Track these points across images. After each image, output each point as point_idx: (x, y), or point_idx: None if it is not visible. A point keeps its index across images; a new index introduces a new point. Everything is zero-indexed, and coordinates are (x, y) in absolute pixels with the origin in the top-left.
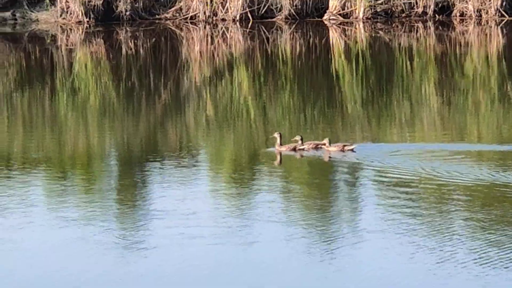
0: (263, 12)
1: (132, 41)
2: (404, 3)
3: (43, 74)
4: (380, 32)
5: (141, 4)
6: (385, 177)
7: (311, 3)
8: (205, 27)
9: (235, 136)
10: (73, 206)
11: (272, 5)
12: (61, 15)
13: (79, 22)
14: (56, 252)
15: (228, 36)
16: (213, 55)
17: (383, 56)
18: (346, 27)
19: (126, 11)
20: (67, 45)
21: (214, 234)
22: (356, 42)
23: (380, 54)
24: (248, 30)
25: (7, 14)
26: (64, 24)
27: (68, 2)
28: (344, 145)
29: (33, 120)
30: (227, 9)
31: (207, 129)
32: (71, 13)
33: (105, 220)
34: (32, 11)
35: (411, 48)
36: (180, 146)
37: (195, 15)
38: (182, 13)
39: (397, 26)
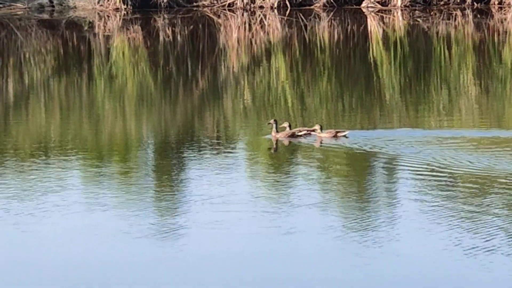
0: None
1: (170, 28)
2: None
3: (80, 61)
4: (418, 19)
5: None
6: (414, 165)
7: None
8: (243, 15)
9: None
10: (110, 192)
11: None
12: (98, 2)
13: (117, 9)
14: (91, 237)
15: (266, 23)
16: (251, 42)
17: (421, 44)
18: (384, 15)
19: None
20: (104, 32)
21: (252, 221)
22: (394, 30)
23: (418, 42)
24: (286, 17)
25: (45, 1)
26: (101, 11)
27: None
28: (337, 131)
29: (71, 106)
30: None
31: (245, 116)
32: (108, 0)
33: (142, 206)
34: None
35: (449, 36)
36: (218, 133)
37: (233, 2)
38: (220, 0)
39: (435, 14)
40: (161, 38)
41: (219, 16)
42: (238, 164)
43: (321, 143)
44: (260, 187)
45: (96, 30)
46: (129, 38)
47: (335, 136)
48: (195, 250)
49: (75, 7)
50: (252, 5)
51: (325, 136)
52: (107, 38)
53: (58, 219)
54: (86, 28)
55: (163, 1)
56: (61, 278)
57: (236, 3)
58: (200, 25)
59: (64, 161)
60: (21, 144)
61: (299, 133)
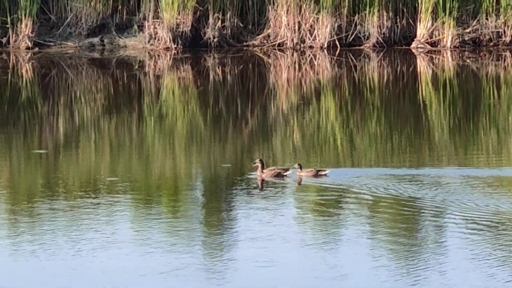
0: (350, 39)
1: (220, 68)
2: (492, 32)
3: (130, 99)
4: (468, 60)
5: (229, 31)
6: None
7: (399, 31)
8: (292, 54)
9: (322, 163)
10: (158, 231)
11: (360, 33)
12: (149, 41)
13: (167, 48)
14: (138, 277)
15: (315, 63)
16: (301, 82)
17: (470, 84)
18: (433, 55)
19: (214, 37)
20: (154, 71)
21: (298, 261)
22: (444, 70)
23: (468, 82)
24: (335, 57)
25: (95, 39)
26: (152, 50)
27: (156, 28)
28: (318, 170)
29: (120, 145)
30: (315, 36)
31: (294, 156)
32: (159, 39)
33: (190, 245)
34: (120, 37)
35: (499, 77)
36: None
37: (283, 42)
38: (270, 40)
39: (485, 55)
40: (211, 77)
41: (269, 56)
42: (287, 203)
43: (300, 182)
44: (308, 226)
45: (146, 69)
46: (179, 77)
47: (316, 175)
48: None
49: (125, 46)
50: (302, 45)
51: (305, 175)
52: (157, 77)
53: (106, 258)
54: (136, 67)
55: (213, 41)
56: None
57: (286, 43)
58: (250, 65)
59: (113, 199)
60: (71, 182)
61: (285, 173)
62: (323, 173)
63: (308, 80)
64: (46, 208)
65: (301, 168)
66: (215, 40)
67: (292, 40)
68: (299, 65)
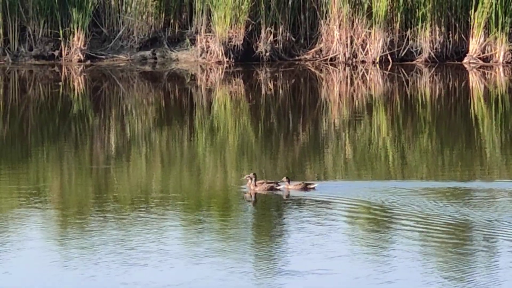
0: (402, 54)
1: (271, 82)
2: None
3: (182, 113)
4: None
5: (281, 45)
6: None
7: (451, 46)
8: (344, 69)
9: (373, 177)
10: (209, 246)
11: (412, 47)
12: (201, 55)
13: (219, 62)
14: None
15: (367, 78)
16: (352, 97)
17: None
18: (485, 71)
19: (266, 51)
20: (206, 85)
21: (352, 275)
22: (496, 86)
23: None
24: (387, 72)
25: (147, 53)
26: (203, 64)
27: (208, 42)
28: (306, 184)
29: (172, 159)
30: (367, 51)
31: (345, 171)
32: (211, 53)
33: (241, 258)
34: (172, 51)
35: None
36: (319, 189)
37: (334, 56)
38: (322, 54)
39: None
40: (262, 91)
41: (321, 70)
42: (337, 217)
43: (288, 195)
44: (359, 241)
45: (198, 82)
46: (231, 91)
47: (304, 189)
48: None
49: (177, 59)
50: (354, 60)
51: (293, 188)
52: (209, 91)
53: (157, 270)
54: (188, 80)
55: (265, 55)
56: None
57: (338, 58)
58: (302, 79)
59: (164, 212)
60: (122, 195)
61: (278, 187)
62: (311, 186)
63: (360, 95)
64: (96, 222)
65: (289, 181)
66: (267, 54)
67: (344, 54)
68: (351, 79)
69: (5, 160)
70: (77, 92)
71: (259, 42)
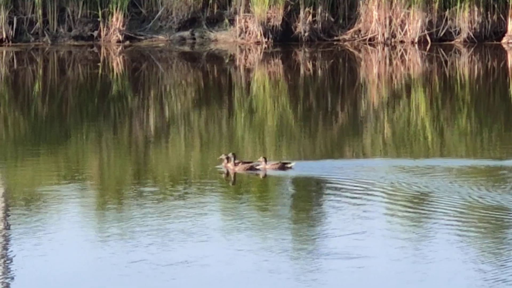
0: (441, 34)
1: (310, 62)
2: None
3: (220, 94)
4: None
5: (320, 25)
6: None
7: (490, 26)
8: (383, 49)
9: (412, 156)
10: (247, 225)
11: (450, 28)
12: (239, 35)
13: (258, 42)
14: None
15: (406, 58)
16: (391, 77)
17: None
18: None
19: (305, 32)
20: (245, 65)
21: (386, 256)
22: None
23: None
24: (426, 52)
25: (186, 33)
26: (242, 44)
27: (247, 22)
28: (284, 163)
29: (210, 139)
30: (405, 31)
31: (384, 152)
32: (249, 33)
33: (280, 240)
34: (211, 31)
35: None
36: (356, 168)
37: (373, 36)
38: (361, 34)
39: None
40: (301, 71)
41: (359, 51)
42: (375, 198)
43: (265, 175)
44: (396, 221)
45: (237, 63)
46: (269, 71)
47: (282, 168)
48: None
49: (216, 40)
50: (392, 40)
51: (270, 167)
52: (248, 71)
53: (195, 249)
54: (227, 61)
55: (304, 35)
56: None
57: (377, 38)
58: (341, 59)
59: (202, 192)
60: (161, 175)
61: (257, 167)
62: (289, 165)
63: (399, 75)
64: (135, 201)
65: (266, 161)
66: (306, 34)
67: (383, 34)
68: (390, 60)
69: (44, 141)
70: (116, 73)
71: (298, 22)
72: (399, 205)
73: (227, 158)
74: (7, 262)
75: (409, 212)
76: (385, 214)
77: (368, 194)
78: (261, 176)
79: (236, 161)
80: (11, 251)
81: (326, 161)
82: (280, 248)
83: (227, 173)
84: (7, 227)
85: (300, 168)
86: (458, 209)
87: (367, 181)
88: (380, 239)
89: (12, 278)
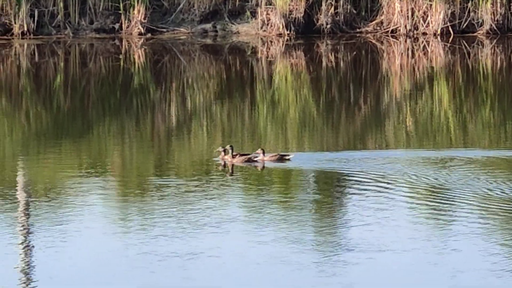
0: (464, 26)
1: (332, 54)
2: None
3: (243, 86)
4: None
5: (342, 17)
6: None
7: None
8: (405, 41)
9: (435, 147)
10: (269, 218)
11: (473, 19)
12: (261, 28)
13: (280, 35)
14: (250, 264)
15: (428, 50)
16: (414, 69)
17: None
18: None
19: (327, 24)
20: (267, 57)
21: (404, 247)
22: None
23: None
24: (449, 44)
25: (208, 26)
26: (264, 37)
27: (269, 14)
28: (282, 155)
29: (233, 131)
30: (428, 23)
31: (407, 144)
32: (271, 26)
33: (304, 232)
34: (232, 23)
35: None
36: (378, 160)
37: (396, 28)
38: (383, 26)
39: None
40: (323, 64)
41: (382, 43)
42: (396, 190)
43: (263, 167)
44: (420, 210)
45: (259, 55)
46: (291, 63)
47: (280, 160)
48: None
49: (238, 32)
50: (415, 32)
51: (268, 159)
52: (270, 63)
53: (217, 240)
54: (249, 53)
55: (326, 27)
56: None
57: (399, 30)
58: (363, 51)
59: (225, 184)
60: (183, 168)
61: (255, 158)
62: (287, 157)
63: (421, 67)
64: (157, 193)
65: (264, 153)
66: (328, 26)
67: (405, 26)
68: (412, 51)
69: (66, 134)
70: (138, 66)
71: (320, 14)
72: (420, 196)
73: (224, 151)
74: (28, 253)
75: (430, 203)
76: (405, 206)
77: (388, 186)
78: (259, 168)
79: (234, 153)
80: (32, 242)
81: (347, 152)
82: (301, 240)
83: (224, 165)
84: (29, 219)
85: (321, 159)
86: (480, 201)
87: (388, 172)
88: (399, 230)
89: (33, 269)
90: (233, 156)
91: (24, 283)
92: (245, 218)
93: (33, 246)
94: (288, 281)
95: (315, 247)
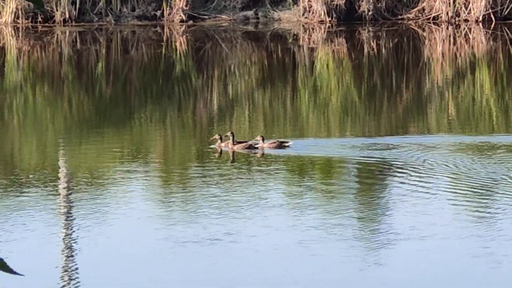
0: (506, 13)
1: (374, 41)
2: None
3: (284, 73)
4: None
5: (384, 4)
6: None
7: None
8: (447, 28)
9: (476, 137)
10: (311, 204)
11: None
12: (303, 14)
13: (321, 21)
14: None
15: (470, 37)
16: (456, 56)
17: None
18: None
19: (368, 11)
20: (308, 44)
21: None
22: None
23: None
24: (490, 31)
25: (250, 13)
26: (306, 23)
27: (310, 1)
28: (282, 142)
29: (274, 118)
30: (470, 10)
31: (449, 130)
32: (313, 12)
33: (341, 223)
34: (274, 10)
35: None
36: (419, 146)
37: (437, 15)
38: (425, 13)
39: None
40: (365, 50)
41: (423, 29)
42: (439, 177)
43: (263, 154)
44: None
45: (301, 42)
46: (333, 50)
47: (279, 147)
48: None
49: (279, 19)
50: (456, 19)
51: (267, 146)
52: (312, 50)
53: (259, 226)
54: (290, 40)
55: (367, 14)
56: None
57: (441, 16)
58: (405, 38)
59: (267, 170)
60: (225, 155)
61: (256, 145)
62: (287, 144)
63: (463, 54)
64: (199, 180)
65: (263, 140)
66: (370, 13)
67: (447, 13)
68: (454, 38)
69: (108, 121)
70: (180, 53)
71: (362, 1)
72: (462, 183)
73: (221, 138)
74: (69, 239)
75: (472, 190)
76: (446, 193)
77: (429, 172)
78: (259, 155)
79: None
80: (74, 228)
81: (387, 139)
82: (342, 226)
83: (221, 152)
84: (70, 205)
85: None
86: None
87: (429, 159)
88: (440, 218)
89: (74, 254)
90: (234, 143)
91: (65, 268)
92: (287, 205)
93: (74, 232)
94: (329, 268)
95: (356, 234)
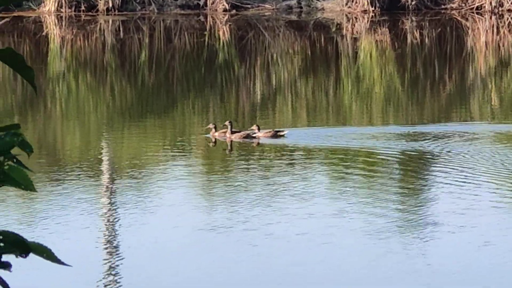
0: None
1: (417, 31)
2: None
3: (327, 62)
4: None
5: None
6: None
7: None
8: (491, 18)
9: None
10: (352, 197)
11: None
12: (346, 4)
13: (365, 11)
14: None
15: None
16: (499, 45)
17: None
18: None
19: (412, 0)
20: (352, 34)
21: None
22: None
23: None
24: None
25: (293, 2)
26: (349, 13)
27: None
28: (277, 131)
29: (317, 107)
30: None
31: (492, 119)
32: (356, 2)
33: (385, 213)
34: (317, 0)
35: None
36: (461, 138)
37: (481, 5)
38: (468, 3)
39: None
40: (408, 40)
41: (467, 19)
42: (481, 166)
43: (258, 143)
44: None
45: (344, 31)
46: (376, 40)
47: (274, 136)
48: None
49: (323, 8)
50: (500, 8)
51: (263, 135)
52: (355, 40)
53: (297, 218)
54: (333, 29)
55: (411, 4)
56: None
57: (484, 6)
58: (448, 28)
59: (308, 161)
60: (268, 145)
61: (253, 135)
62: (282, 133)
63: (506, 43)
64: (240, 169)
65: (259, 129)
66: (413, 3)
67: (490, 3)
68: (497, 28)
69: (151, 110)
70: (223, 42)
71: None
72: (505, 172)
73: (215, 127)
74: (112, 227)
75: None
76: (488, 183)
77: (472, 162)
78: (255, 144)
79: (223, 130)
80: (116, 217)
81: (427, 130)
82: (386, 216)
83: (215, 142)
84: (113, 194)
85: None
86: None
87: (472, 148)
88: (481, 208)
89: (117, 242)
90: (232, 132)
91: (109, 257)
92: (326, 194)
93: (117, 221)
94: (372, 257)
95: (399, 224)
